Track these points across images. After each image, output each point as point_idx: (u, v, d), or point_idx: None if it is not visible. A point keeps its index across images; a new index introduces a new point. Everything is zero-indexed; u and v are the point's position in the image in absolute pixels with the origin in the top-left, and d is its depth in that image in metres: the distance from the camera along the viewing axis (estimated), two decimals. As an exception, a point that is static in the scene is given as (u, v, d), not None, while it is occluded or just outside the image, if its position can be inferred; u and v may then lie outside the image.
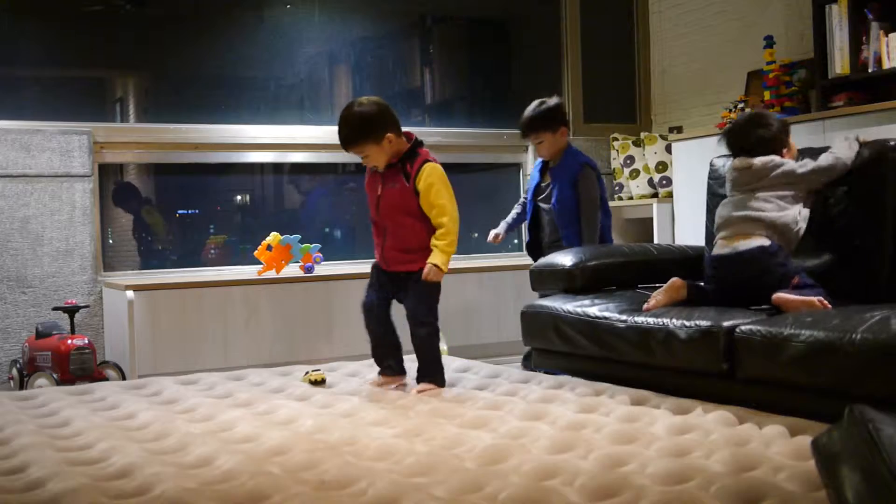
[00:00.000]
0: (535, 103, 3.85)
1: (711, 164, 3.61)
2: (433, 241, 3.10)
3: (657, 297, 3.04)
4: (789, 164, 3.02)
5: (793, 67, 4.43)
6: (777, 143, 3.07)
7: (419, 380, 3.15)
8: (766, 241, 2.92)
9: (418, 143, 3.16)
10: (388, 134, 3.06)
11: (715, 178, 3.56)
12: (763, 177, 3.01)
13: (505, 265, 4.78)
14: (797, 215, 2.98)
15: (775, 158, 3.03)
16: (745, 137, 3.10)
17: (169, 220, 4.79)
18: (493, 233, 4.08)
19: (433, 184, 3.07)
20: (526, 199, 4.06)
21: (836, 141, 3.15)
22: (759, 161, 3.02)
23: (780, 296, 2.77)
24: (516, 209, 4.13)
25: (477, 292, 4.59)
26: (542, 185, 3.92)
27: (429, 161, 3.11)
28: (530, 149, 5.16)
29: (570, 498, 1.81)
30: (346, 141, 3.09)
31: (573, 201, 3.80)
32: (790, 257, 2.95)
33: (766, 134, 3.07)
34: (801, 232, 2.99)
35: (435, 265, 3.07)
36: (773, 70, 4.41)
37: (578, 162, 3.83)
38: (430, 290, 3.15)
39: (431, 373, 3.15)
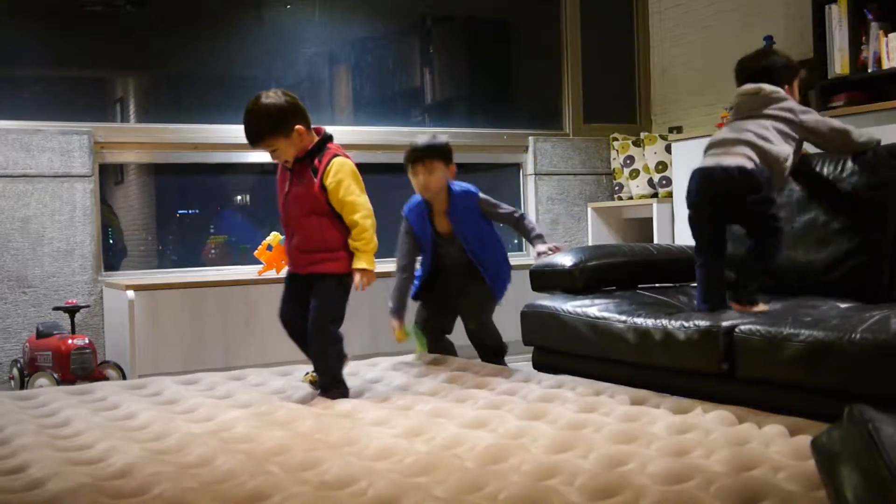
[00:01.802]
0: (429, 136, 3.62)
1: None
2: (351, 244, 2.93)
3: None
4: (793, 101, 3.02)
5: (793, 67, 4.43)
6: (783, 76, 3.06)
7: (320, 393, 2.96)
8: (750, 164, 2.92)
9: (327, 138, 2.97)
10: (298, 126, 2.87)
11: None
12: (768, 104, 2.99)
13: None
14: (790, 153, 2.97)
15: (781, 91, 3.02)
16: (753, 64, 3.10)
17: (169, 220, 4.80)
18: (393, 324, 3.62)
19: (342, 180, 2.88)
20: (410, 260, 3.66)
21: (864, 129, 3.12)
22: (769, 87, 3.01)
23: (737, 308, 2.89)
24: (400, 277, 3.65)
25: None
26: (441, 233, 3.61)
27: (338, 156, 2.93)
28: (530, 149, 5.16)
29: (570, 497, 1.82)
30: (255, 136, 2.89)
31: (487, 232, 3.66)
32: (773, 189, 2.94)
33: (774, 64, 3.08)
34: (788, 171, 2.98)
35: (362, 270, 2.91)
36: (772, 70, 4.40)
37: (466, 192, 3.61)
38: (336, 296, 2.97)
39: (330, 387, 2.94)
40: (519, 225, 3.69)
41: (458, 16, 5.56)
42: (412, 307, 3.71)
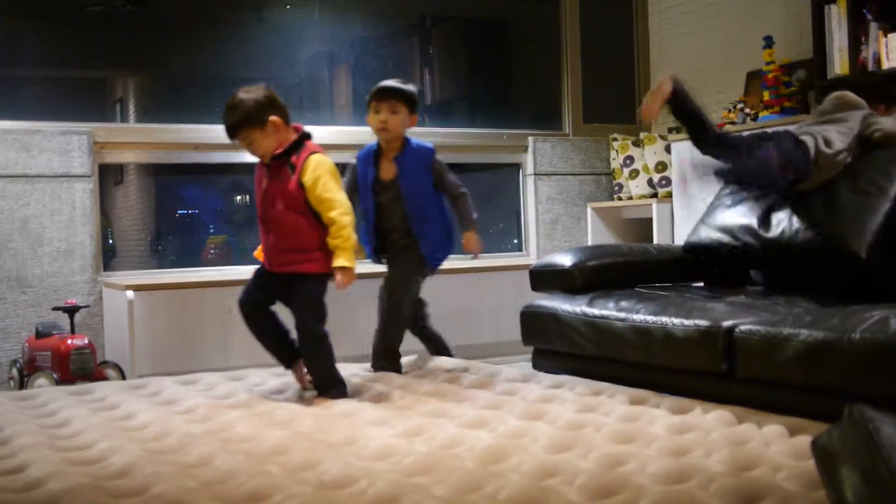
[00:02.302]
0: (398, 80, 3.53)
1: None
2: (330, 242, 2.89)
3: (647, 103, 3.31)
4: (871, 115, 3.17)
5: (792, 68, 4.43)
6: (875, 98, 3.29)
7: (318, 394, 2.95)
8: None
9: (306, 136, 2.98)
10: (273, 118, 2.88)
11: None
12: (846, 109, 3.17)
13: (505, 265, 4.79)
14: (841, 150, 3.08)
15: (864, 103, 3.19)
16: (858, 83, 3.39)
17: (169, 220, 4.79)
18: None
19: (320, 177, 2.87)
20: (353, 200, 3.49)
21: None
22: (851, 95, 3.21)
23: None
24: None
25: (477, 292, 4.59)
26: (383, 178, 3.48)
27: (316, 153, 2.93)
28: (530, 149, 5.16)
29: (569, 497, 1.82)
30: (231, 128, 2.92)
31: (432, 194, 3.50)
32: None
33: (872, 87, 3.35)
34: (839, 165, 3.08)
35: (342, 268, 2.88)
36: (772, 70, 4.41)
37: (423, 147, 3.51)
38: (318, 295, 2.96)
39: (327, 386, 2.94)
40: (457, 201, 3.52)
41: (458, 16, 5.56)
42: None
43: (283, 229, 2.93)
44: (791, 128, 3.25)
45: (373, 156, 3.50)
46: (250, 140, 2.91)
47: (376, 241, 3.54)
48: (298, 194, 2.89)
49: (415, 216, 3.44)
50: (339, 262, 2.88)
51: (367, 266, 4.59)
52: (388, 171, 3.47)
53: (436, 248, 3.50)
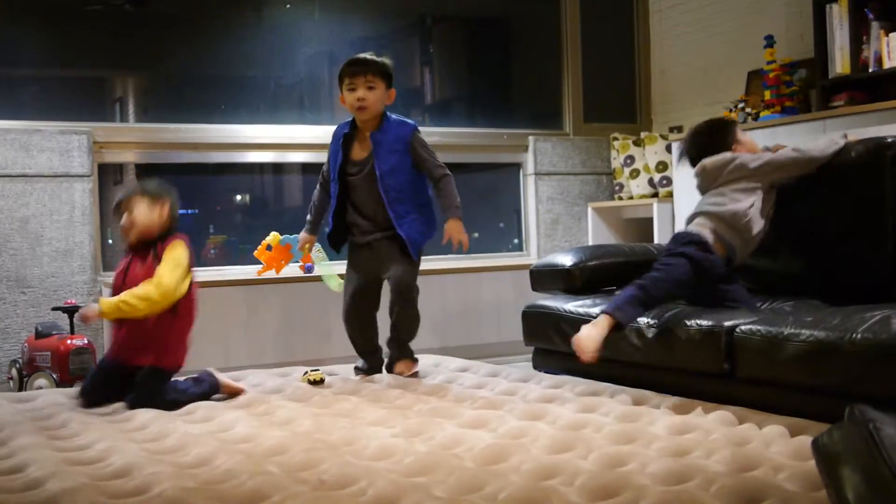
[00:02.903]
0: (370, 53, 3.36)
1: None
2: (130, 292, 2.84)
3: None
4: (742, 157, 3.11)
5: (793, 67, 4.42)
6: (725, 143, 3.16)
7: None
8: (707, 235, 2.98)
9: (175, 229, 3.05)
10: (168, 203, 3.01)
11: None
12: (718, 175, 3.10)
13: (505, 265, 4.78)
14: (748, 207, 3.02)
15: (726, 155, 3.12)
16: (692, 149, 3.24)
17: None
18: (300, 238, 3.58)
19: (165, 259, 2.92)
20: (327, 179, 3.43)
21: (821, 139, 3.17)
22: (709, 161, 3.14)
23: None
24: (316, 192, 3.52)
25: (477, 292, 4.59)
26: (354, 158, 3.32)
27: (179, 240, 3.00)
28: (530, 149, 5.16)
29: (569, 498, 1.81)
30: (119, 204, 2.99)
31: (410, 174, 3.29)
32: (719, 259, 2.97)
33: (707, 140, 3.19)
34: (752, 222, 3.01)
35: (101, 305, 2.82)
36: (773, 70, 4.40)
37: (402, 121, 3.33)
38: (155, 390, 2.87)
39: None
40: (438, 184, 3.29)
41: (458, 16, 5.55)
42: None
43: (138, 321, 2.87)
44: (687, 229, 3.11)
45: (344, 136, 3.34)
46: (133, 210, 2.98)
47: (335, 224, 3.40)
48: None
49: (389, 198, 3.25)
50: (103, 301, 2.84)
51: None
52: (360, 150, 3.31)
53: (412, 232, 3.28)
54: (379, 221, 3.32)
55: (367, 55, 3.30)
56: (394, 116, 3.34)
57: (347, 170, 3.32)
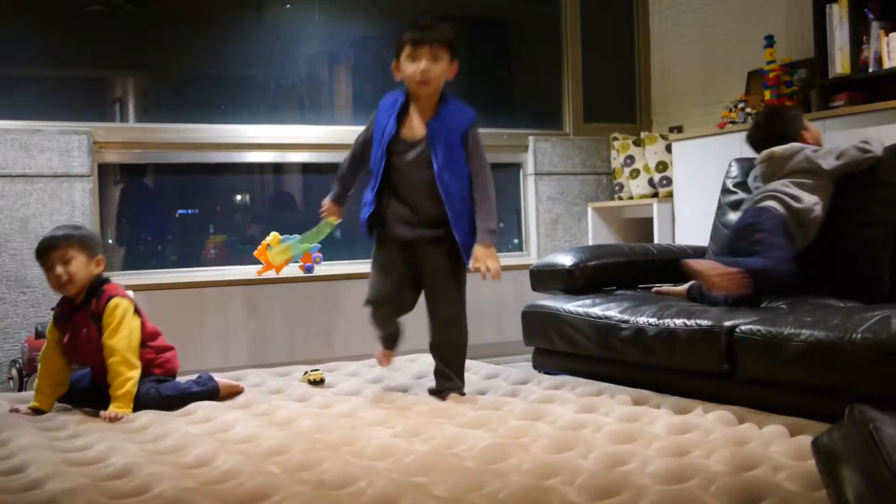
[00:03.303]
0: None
1: (730, 165, 3.63)
2: (111, 389, 2.75)
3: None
4: (809, 149, 3.10)
5: (793, 67, 4.42)
6: (793, 131, 3.17)
7: None
8: (775, 207, 3.01)
9: (104, 280, 2.97)
10: (100, 256, 2.94)
11: (731, 177, 3.57)
12: (785, 164, 3.10)
13: (505, 265, 4.76)
14: (815, 204, 3.02)
15: (795, 145, 3.12)
16: (763, 132, 3.23)
17: (169, 220, 4.79)
18: (324, 204, 3.14)
19: (123, 324, 2.84)
20: (364, 152, 2.98)
21: (866, 137, 3.17)
22: (779, 149, 3.13)
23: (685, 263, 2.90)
24: (348, 158, 3.06)
25: (477, 292, 4.57)
26: (406, 137, 2.85)
27: (115, 296, 2.89)
28: (530, 149, 5.16)
29: (569, 497, 1.81)
30: (44, 248, 2.85)
31: (466, 171, 2.86)
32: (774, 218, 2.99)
33: (781, 125, 3.20)
34: (818, 220, 3.03)
35: (119, 410, 2.71)
36: (773, 70, 4.40)
37: (463, 109, 2.91)
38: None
39: None
40: (479, 199, 2.84)
41: (458, 16, 5.55)
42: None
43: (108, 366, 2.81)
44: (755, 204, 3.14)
45: (399, 107, 2.86)
46: (70, 258, 2.86)
47: (376, 206, 2.90)
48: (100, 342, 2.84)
49: (450, 197, 2.81)
50: (118, 406, 2.74)
51: (362, 265, 4.59)
52: (414, 128, 2.84)
53: (467, 235, 2.86)
54: (426, 216, 2.86)
55: (435, 23, 2.88)
56: (453, 100, 2.89)
57: (393, 147, 2.84)
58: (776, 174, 3.11)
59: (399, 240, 2.90)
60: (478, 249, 2.81)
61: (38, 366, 2.92)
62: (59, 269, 2.84)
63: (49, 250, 2.85)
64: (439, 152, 2.79)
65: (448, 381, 2.95)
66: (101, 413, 2.73)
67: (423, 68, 2.78)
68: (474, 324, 4.61)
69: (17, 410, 2.85)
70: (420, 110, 2.85)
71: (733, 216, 3.43)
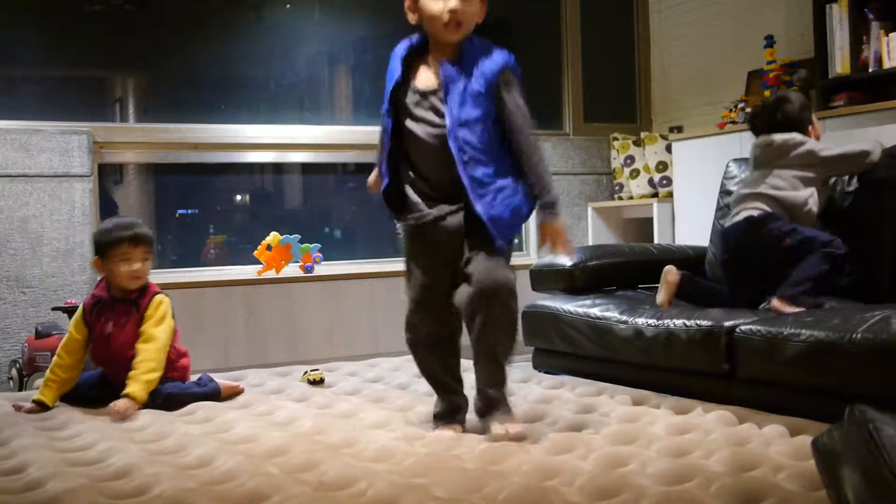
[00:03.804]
0: None
1: (727, 166, 3.63)
2: (131, 372, 2.80)
3: (661, 297, 3.09)
4: (811, 143, 3.04)
5: (793, 67, 4.42)
6: (799, 122, 3.09)
7: None
8: (757, 213, 2.98)
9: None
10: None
11: (730, 178, 3.57)
12: (783, 154, 3.04)
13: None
14: (809, 197, 2.99)
15: (796, 136, 3.05)
16: (768, 117, 3.13)
17: (168, 220, 4.79)
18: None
19: (152, 315, 2.92)
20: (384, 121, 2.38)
21: (865, 139, 3.16)
22: (779, 137, 3.05)
23: (775, 305, 2.79)
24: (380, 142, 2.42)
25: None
26: (419, 86, 2.30)
27: (159, 293, 2.98)
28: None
29: (570, 498, 1.81)
30: (139, 238, 2.95)
31: (499, 125, 2.28)
32: (786, 222, 2.96)
33: (790, 112, 3.09)
34: (813, 214, 3.00)
35: (128, 396, 2.74)
36: (773, 70, 4.40)
37: (493, 48, 2.32)
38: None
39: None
40: (523, 156, 2.27)
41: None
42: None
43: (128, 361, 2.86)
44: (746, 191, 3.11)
45: (412, 51, 2.34)
46: (148, 259, 2.97)
47: (390, 176, 2.35)
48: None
49: (464, 158, 2.22)
50: (128, 389, 2.76)
51: (362, 265, 4.60)
52: (430, 77, 2.29)
53: (498, 207, 2.24)
54: (446, 187, 2.29)
55: None
56: (480, 40, 2.33)
57: (402, 100, 2.30)
58: (771, 162, 3.05)
59: (421, 222, 2.32)
60: (546, 225, 2.28)
61: (54, 357, 2.96)
62: (139, 265, 2.94)
63: (138, 243, 2.94)
64: (454, 102, 2.21)
65: (485, 389, 2.33)
66: (112, 405, 2.72)
67: (452, 6, 2.23)
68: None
69: (19, 408, 2.86)
70: (439, 54, 2.27)
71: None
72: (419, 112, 2.29)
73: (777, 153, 3.05)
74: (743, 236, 3.03)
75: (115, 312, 2.95)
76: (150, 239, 3.00)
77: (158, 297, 2.97)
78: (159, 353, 2.88)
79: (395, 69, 2.33)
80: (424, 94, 2.28)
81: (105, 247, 2.94)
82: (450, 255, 2.31)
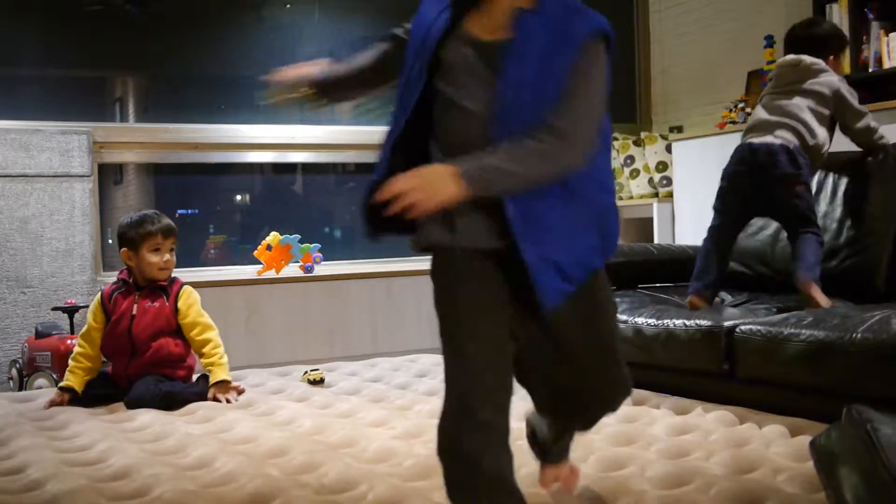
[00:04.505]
0: None
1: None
2: (205, 361, 3.04)
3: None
4: (844, 82, 2.97)
5: (793, 67, 4.42)
6: (826, 47, 3.01)
7: None
8: (792, 145, 2.90)
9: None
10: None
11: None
12: (807, 78, 2.95)
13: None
14: (824, 139, 2.95)
15: (822, 63, 2.95)
16: (800, 32, 3.07)
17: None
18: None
19: (193, 304, 3.12)
20: (392, 49, 1.74)
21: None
22: (808, 59, 2.96)
23: (812, 290, 2.77)
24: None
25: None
26: (478, 35, 1.53)
27: (185, 284, 3.16)
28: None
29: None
30: (171, 230, 3.13)
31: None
32: (810, 175, 2.93)
33: (817, 33, 3.03)
34: (825, 157, 2.97)
35: (222, 382, 3.00)
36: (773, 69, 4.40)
37: (586, 12, 1.52)
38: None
39: None
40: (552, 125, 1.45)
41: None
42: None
43: (157, 348, 3.03)
44: (761, 105, 3.07)
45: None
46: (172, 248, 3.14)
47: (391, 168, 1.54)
48: (173, 318, 3.08)
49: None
50: (219, 376, 2.99)
51: (362, 265, 4.60)
52: (489, 23, 1.54)
53: (571, 247, 1.54)
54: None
55: None
56: None
57: (449, 57, 1.55)
58: (792, 84, 2.97)
59: (474, 251, 1.51)
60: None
61: (75, 347, 3.10)
62: (169, 256, 3.10)
63: (168, 234, 3.10)
64: (529, 63, 1.49)
65: (553, 441, 1.87)
66: (217, 396, 2.91)
67: None
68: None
69: (53, 403, 2.92)
70: (507, 3, 1.53)
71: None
72: (470, 73, 1.53)
73: (802, 75, 2.96)
74: (773, 160, 2.90)
75: (141, 295, 3.08)
76: (177, 231, 3.16)
77: (188, 288, 3.13)
78: (218, 336, 3.08)
79: (439, 20, 1.58)
80: (483, 48, 1.53)
81: (136, 238, 3.06)
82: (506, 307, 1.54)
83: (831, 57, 3.02)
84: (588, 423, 1.74)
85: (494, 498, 1.44)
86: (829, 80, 2.95)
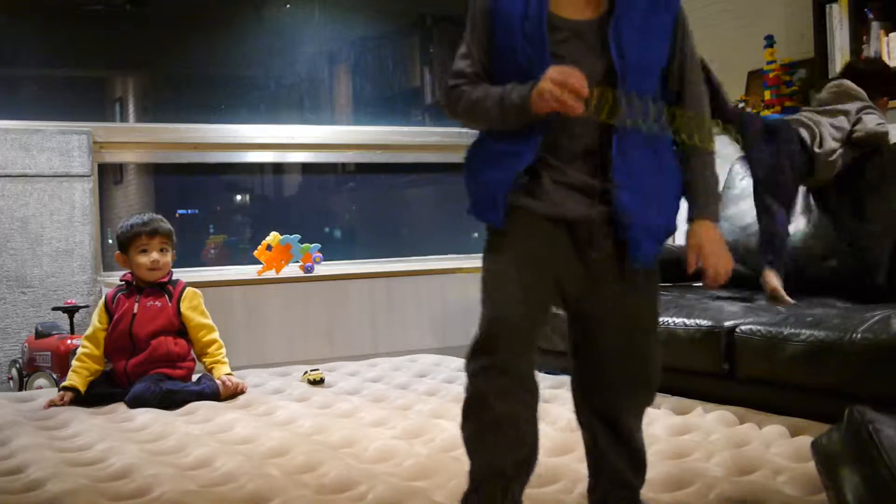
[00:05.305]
0: None
1: (732, 166, 3.63)
2: (208, 361, 3.12)
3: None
4: (872, 115, 3.08)
5: (793, 67, 4.42)
6: (874, 87, 3.16)
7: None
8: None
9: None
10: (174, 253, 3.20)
11: (730, 177, 3.58)
12: (843, 101, 3.10)
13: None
14: (836, 150, 3.05)
15: (863, 94, 3.11)
16: (856, 69, 3.27)
17: (169, 220, 4.79)
18: None
19: (198, 305, 3.18)
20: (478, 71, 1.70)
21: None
22: (851, 85, 3.13)
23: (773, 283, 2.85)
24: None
25: (477, 292, 4.57)
26: (564, 15, 1.52)
27: (187, 285, 3.20)
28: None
29: None
30: (156, 231, 3.14)
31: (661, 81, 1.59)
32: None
33: (863, 68, 3.25)
34: (836, 166, 3.05)
35: (229, 374, 3.09)
36: (773, 70, 4.40)
37: None
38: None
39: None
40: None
41: (458, 15, 5.55)
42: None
43: (154, 346, 3.05)
44: (790, 117, 3.21)
45: None
46: (169, 249, 3.16)
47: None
48: (175, 318, 3.11)
49: (631, 134, 1.53)
50: (224, 370, 3.09)
51: (362, 265, 4.60)
52: (578, 2, 1.53)
53: (662, 219, 1.66)
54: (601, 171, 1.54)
55: None
56: None
57: (556, 43, 1.52)
58: (827, 103, 3.13)
59: (557, 219, 1.56)
60: (699, 230, 1.69)
61: (80, 348, 3.12)
62: (157, 256, 3.10)
63: (154, 234, 3.11)
64: (630, 40, 1.51)
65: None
66: (227, 387, 2.98)
67: None
68: (474, 324, 4.61)
69: (52, 403, 2.92)
70: None
71: (733, 216, 3.42)
72: (580, 52, 1.50)
73: (839, 98, 3.13)
74: (782, 133, 3.05)
75: (143, 294, 3.11)
76: (168, 231, 3.16)
77: (191, 289, 3.16)
78: (218, 338, 3.16)
79: (533, 2, 1.51)
80: (576, 29, 1.50)
81: (125, 241, 3.11)
82: (570, 271, 1.66)
83: (878, 100, 3.19)
84: (616, 409, 1.68)
85: (499, 435, 1.49)
86: (862, 109, 3.10)
